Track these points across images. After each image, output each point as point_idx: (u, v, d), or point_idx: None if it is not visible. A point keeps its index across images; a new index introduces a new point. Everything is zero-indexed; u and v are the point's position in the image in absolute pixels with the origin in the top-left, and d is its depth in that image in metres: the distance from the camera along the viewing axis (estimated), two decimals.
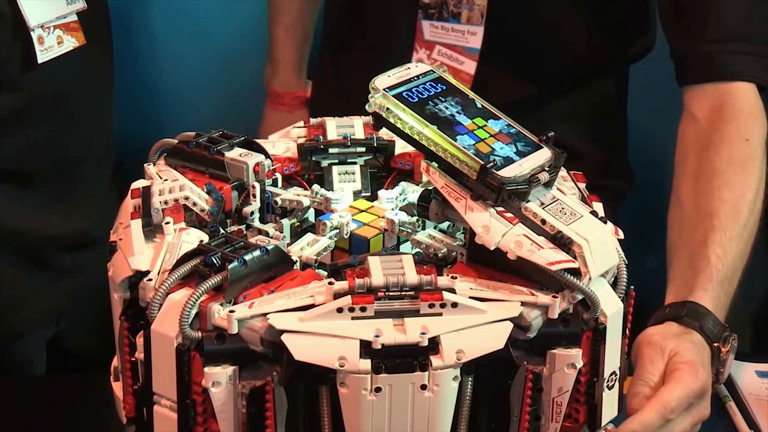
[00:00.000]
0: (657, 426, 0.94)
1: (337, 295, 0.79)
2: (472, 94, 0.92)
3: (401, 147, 1.04)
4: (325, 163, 1.04)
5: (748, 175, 1.21)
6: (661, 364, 1.00)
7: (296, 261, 0.88)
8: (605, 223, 0.86)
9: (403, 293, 0.79)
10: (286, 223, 0.97)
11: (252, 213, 0.96)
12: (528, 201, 0.85)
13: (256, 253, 0.82)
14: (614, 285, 0.86)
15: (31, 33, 1.19)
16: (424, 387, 0.78)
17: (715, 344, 1.06)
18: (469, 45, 1.45)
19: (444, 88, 0.91)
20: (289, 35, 1.70)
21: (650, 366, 1.00)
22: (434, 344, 0.78)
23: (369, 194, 1.03)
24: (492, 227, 0.83)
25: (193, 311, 0.79)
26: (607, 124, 1.54)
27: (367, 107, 0.88)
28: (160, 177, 0.96)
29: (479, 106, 0.91)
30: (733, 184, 1.19)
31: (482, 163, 0.83)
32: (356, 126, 1.06)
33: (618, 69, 1.53)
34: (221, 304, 0.79)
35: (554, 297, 0.81)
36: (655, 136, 1.70)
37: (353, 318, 0.78)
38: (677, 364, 0.99)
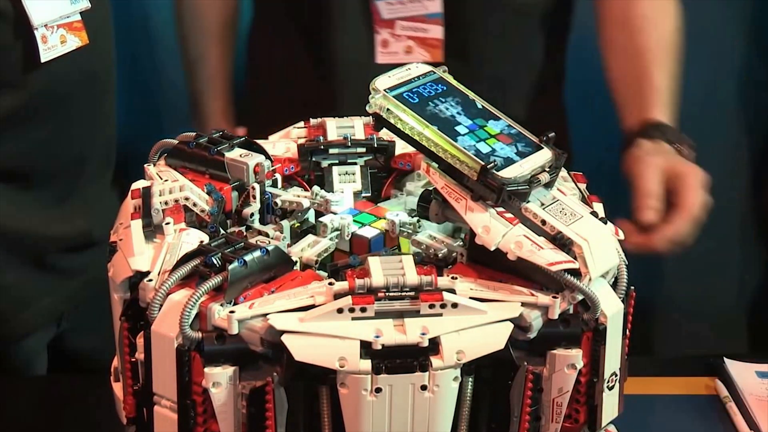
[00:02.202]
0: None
1: (338, 296, 0.79)
2: (472, 95, 0.92)
3: (401, 147, 1.04)
4: (325, 164, 1.04)
5: (669, 13, 1.49)
6: (660, 176, 1.26)
7: (296, 261, 0.89)
8: (605, 223, 0.86)
9: (403, 294, 0.79)
10: (285, 224, 0.97)
11: (252, 215, 0.96)
12: (528, 201, 0.85)
13: (257, 253, 0.82)
14: (614, 285, 0.86)
15: (35, 32, 1.19)
16: (424, 387, 0.78)
17: (676, 145, 1.37)
18: (429, 11, 1.45)
19: (444, 88, 0.91)
20: (213, 85, 1.64)
21: (652, 179, 1.25)
22: (434, 345, 0.78)
23: (369, 194, 1.03)
24: (492, 228, 0.83)
25: (194, 312, 0.79)
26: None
27: (367, 108, 0.88)
28: (160, 177, 0.96)
29: (480, 106, 0.91)
30: (657, 21, 1.48)
31: (483, 163, 0.83)
32: (356, 126, 1.06)
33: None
34: (221, 305, 0.79)
35: (554, 297, 0.81)
36: None
37: (353, 318, 0.78)
38: (682, 176, 1.28)
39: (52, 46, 1.21)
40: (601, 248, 0.83)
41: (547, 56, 1.54)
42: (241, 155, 0.97)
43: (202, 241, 0.87)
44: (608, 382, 0.86)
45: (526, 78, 1.54)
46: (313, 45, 1.50)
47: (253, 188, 0.96)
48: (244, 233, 0.96)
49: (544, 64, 1.55)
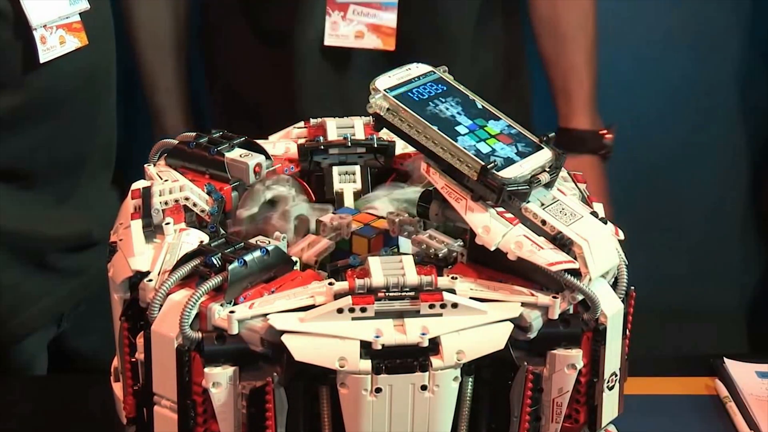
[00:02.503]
0: None
1: (338, 296, 0.79)
2: (472, 95, 0.92)
3: (401, 148, 1.04)
4: (325, 164, 1.04)
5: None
6: None
7: (296, 261, 0.88)
8: (605, 223, 0.86)
9: (403, 294, 0.79)
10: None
11: None
12: (528, 201, 0.85)
13: (257, 253, 0.82)
14: (614, 285, 0.86)
15: (34, 33, 1.19)
16: (424, 387, 0.78)
17: (600, 152, 1.59)
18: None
19: (444, 88, 0.91)
20: (173, 98, 1.67)
21: None
22: (434, 345, 0.78)
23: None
24: (492, 228, 0.83)
25: (194, 312, 0.79)
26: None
27: (367, 108, 0.88)
28: (160, 177, 0.96)
29: (480, 106, 0.91)
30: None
31: (483, 163, 0.83)
32: (356, 126, 1.06)
33: None
34: (221, 305, 0.79)
35: (554, 297, 0.81)
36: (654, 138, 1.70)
37: (353, 318, 0.78)
38: None
39: (51, 46, 1.21)
40: (601, 248, 0.83)
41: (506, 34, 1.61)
42: (241, 155, 0.97)
43: (202, 241, 0.87)
44: (608, 382, 0.86)
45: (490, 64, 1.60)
46: (269, 32, 1.52)
47: None
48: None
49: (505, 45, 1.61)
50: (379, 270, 0.80)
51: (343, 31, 1.47)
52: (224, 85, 1.66)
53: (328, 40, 1.48)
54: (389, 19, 1.46)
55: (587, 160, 1.61)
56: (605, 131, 1.63)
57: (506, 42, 1.64)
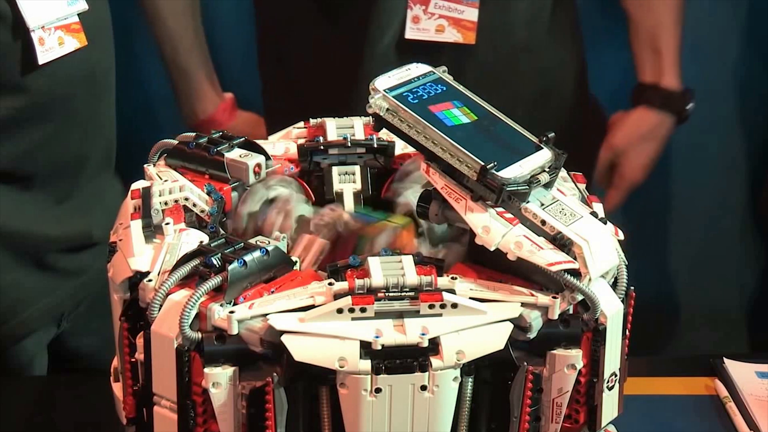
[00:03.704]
0: None
1: (337, 296, 0.79)
2: (472, 95, 0.92)
3: (401, 148, 1.04)
4: (325, 164, 1.04)
5: None
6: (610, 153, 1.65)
7: (296, 261, 0.88)
8: (605, 224, 0.86)
9: (403, 294, 0.79)
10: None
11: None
12: (528, 202, 0.85)
13: (256, 253, 0.82)
14: (614, 286, 0.86)
15: (31, 34, 1.19)
16: (424, 388, 0.78)
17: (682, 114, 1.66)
18: None
19: (444, 88, 0.91)
20: (195, 56, 1.70)
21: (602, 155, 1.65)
22: (434, 345, 0.78)
23: (369, 195, 1.03)
24: (492, 228, 0.83)
25: (193, 312, 0.79)
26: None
27: (367, 108, 0.88)
28: (160, 178, 0.96)
29: (479, 106, 0.91)
30: None
31: (482, 163, 0.83)
32: (356, 126, 1.06)
33: None
34: (221, 305, 0.79)
35: (554, 298, 0.81)
36: None
37: (353, 319, 0.78)
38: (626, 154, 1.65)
39: (50, 47, 1.21)
40: (601, 248, 0.83)
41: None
42: (240, 155, 0.97)
43: (201, 242, 0.87)
44: (608, 382, 0.86)
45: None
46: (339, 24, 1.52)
47: None
48: None
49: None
50: (379, 270, 0.80)
51: (424, 24, 1.47)
52: (279, 71, 1.67)
53: (409, 33, 1.48)
54: (471, 13, 1.45)
55: (667, 121, 1.65)
56: (689, 95, 1.67)
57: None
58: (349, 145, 1.04)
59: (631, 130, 1.65)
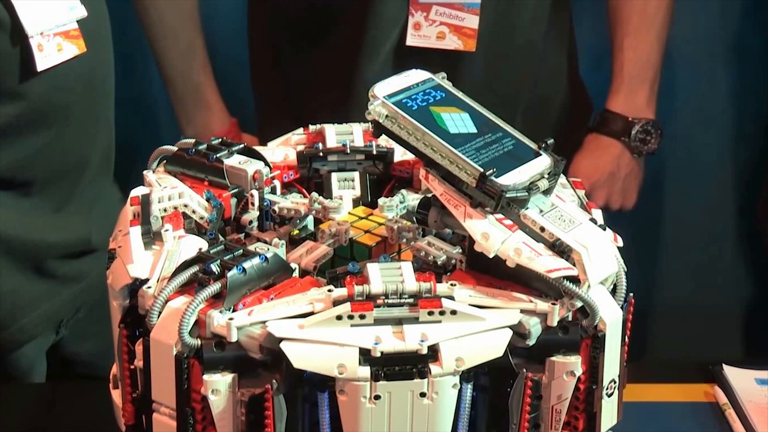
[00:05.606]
0: None
1: (337, 303, 0.79)
2: (471, 102, 0.92)
3: (400, 154, 1.04)
4: (324, 171, 1.04)
5: None
6: None
7: (295, 268, 0.88)
8: (604, 230, 0.86)
9: (402, 300, 0.79)
10: (282, 232, 0.97)
11: (251, 222, 0.96)
12: (527, 208, 0.85)
13: (256, 260, 0.82)
14: (613, 292, 0.86)
15: (30, 40, 1.19)
16: (423, 394, 0.78)
17: (623, 138, 1.62)
18: (469, 0, 1.45)
19: (443, 95, 0.91)
20: (208, 72, 1.70)
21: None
22: (433, 352, 0.78)
23: (368, 201, 1.03)
24: (491, 234, 0.83)
25: (192, 319, 0.79)
26: None
27: (366, 115, 0.88)
28: (159, 184, 0.96)
29: (479, 113, 0.91)
30: None
31: (481, 170, 0.83)
32: (355, 133, 1.06)
33: None
34: (220, 312, 0.79)
35: (553, 304, 0.81)
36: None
37: (352, 325, 0.78)
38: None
39: (49, 54, 1.21)
40: (600, 255, 0.83)
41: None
42: (240, 162, 0.98)
43: (201, 248, 0.87)
44: (607, 389, 0.86)
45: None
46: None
47: (252, 195, 0.96)
48: (243, 240, 0.96)
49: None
50: (378, 277, 0.80)
51: (425, 31, 1.47)
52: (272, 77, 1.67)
53: (410, 40, 1.48)
54: (471, 20, 1.46)
55: (615, 145, 1.64)
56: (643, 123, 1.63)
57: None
58: (349, 151, 1.04)
59: (588, 163, 1.65)
